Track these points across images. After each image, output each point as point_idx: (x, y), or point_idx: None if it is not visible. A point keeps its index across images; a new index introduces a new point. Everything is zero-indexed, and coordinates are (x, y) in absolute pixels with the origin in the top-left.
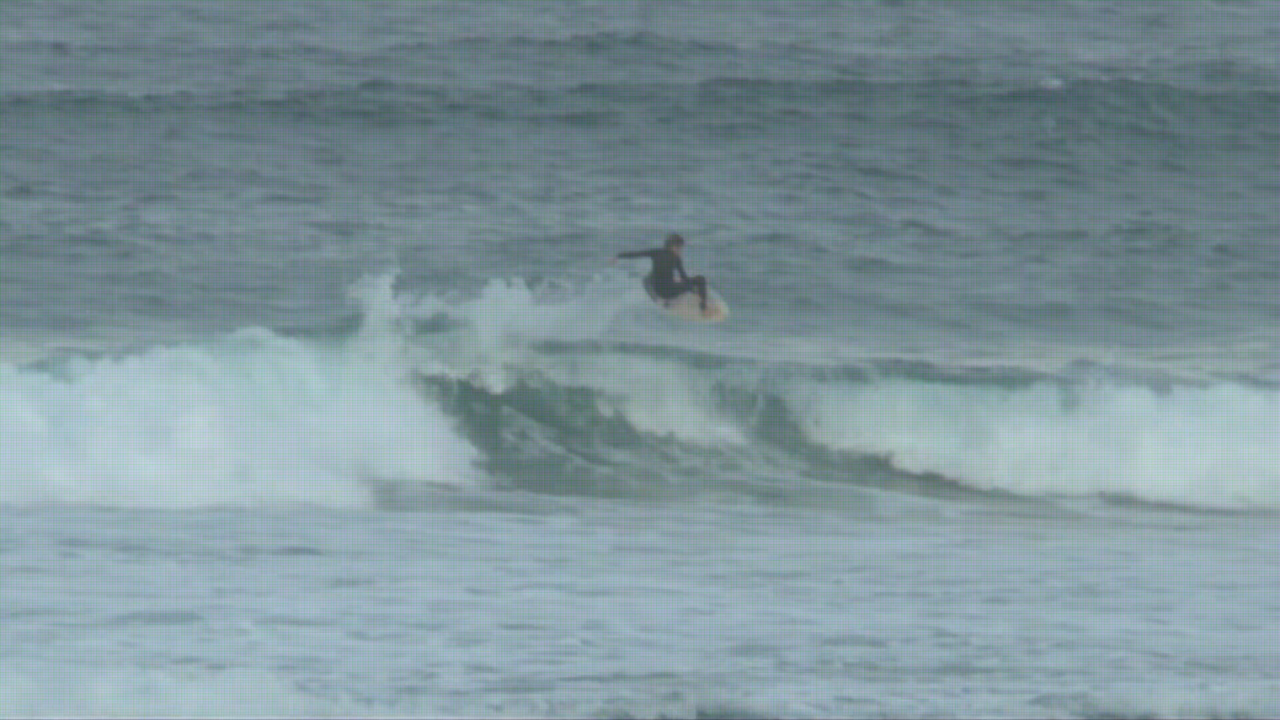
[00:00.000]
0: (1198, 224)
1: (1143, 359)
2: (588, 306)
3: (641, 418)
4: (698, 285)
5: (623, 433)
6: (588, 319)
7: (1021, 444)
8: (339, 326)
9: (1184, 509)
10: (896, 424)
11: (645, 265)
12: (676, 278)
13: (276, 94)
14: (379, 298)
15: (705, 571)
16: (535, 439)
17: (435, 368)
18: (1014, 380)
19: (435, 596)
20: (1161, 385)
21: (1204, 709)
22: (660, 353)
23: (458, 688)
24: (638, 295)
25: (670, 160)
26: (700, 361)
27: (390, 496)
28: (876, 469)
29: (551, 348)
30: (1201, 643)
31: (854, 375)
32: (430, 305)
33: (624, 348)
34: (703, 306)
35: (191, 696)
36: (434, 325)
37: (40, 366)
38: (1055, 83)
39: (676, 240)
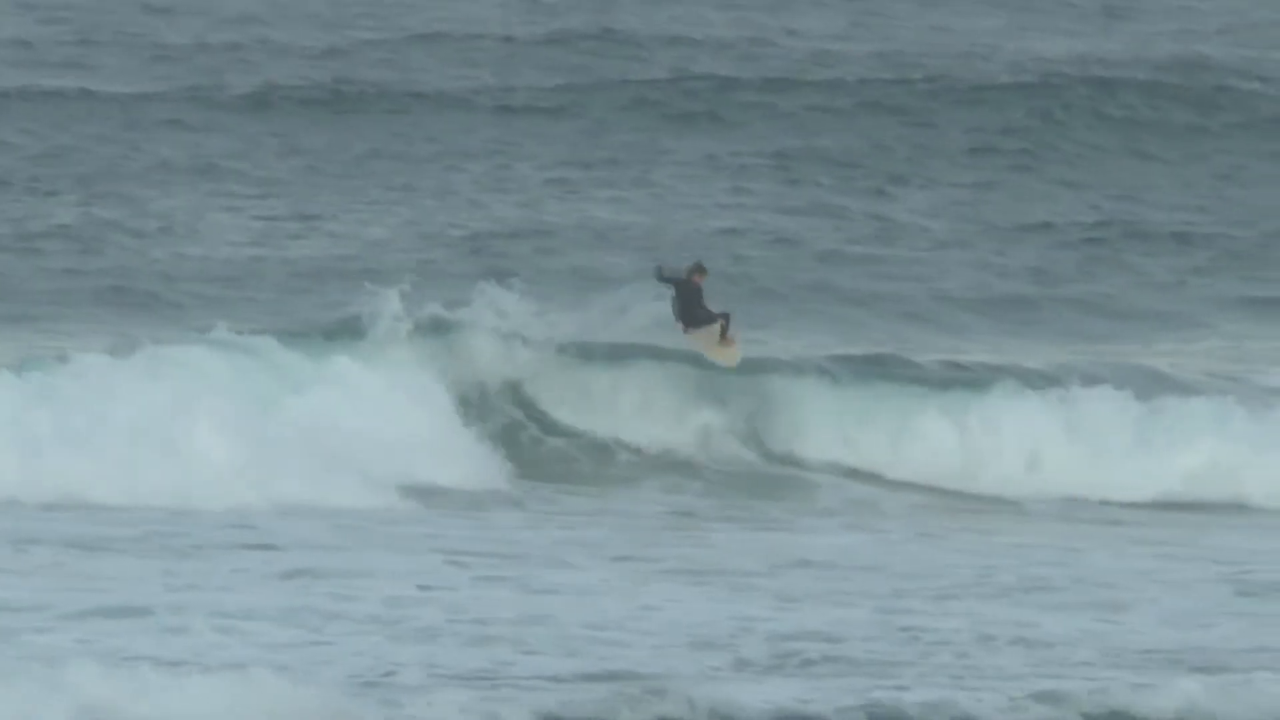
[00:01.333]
0: (1160, 216)
1: (1100, 355)
2: (594, 320)
3: (590, 413)
4: (722, 320)
5: (571, 428)
6: (592, 331)
7: (969, 440)
8: (316, 327)
9: (1130, 506)
10: (844, 419)
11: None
12: (701, 309)
13: (238, 88)
14: (386, 305)
15: (657, 568)
16: (489, 436)
17: (411, 372)
18: (962, 376)
19: (388, 593)
20: (1113, 382)
21: (1170, 706)
22: (613, 349)
23: (413, 684)
24: (642, 316)
25: (630, 153)
26: (655, 356)
27: (344, 493)
28: (825, 465)
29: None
30: (1155, 639)
31: (806, 370)
32: (430, 310)
33: (578, 345)
34: (720, 339)
35: (152, 693)
36: (433, 329)
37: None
38: (1016, 76)
39: (699, 270)
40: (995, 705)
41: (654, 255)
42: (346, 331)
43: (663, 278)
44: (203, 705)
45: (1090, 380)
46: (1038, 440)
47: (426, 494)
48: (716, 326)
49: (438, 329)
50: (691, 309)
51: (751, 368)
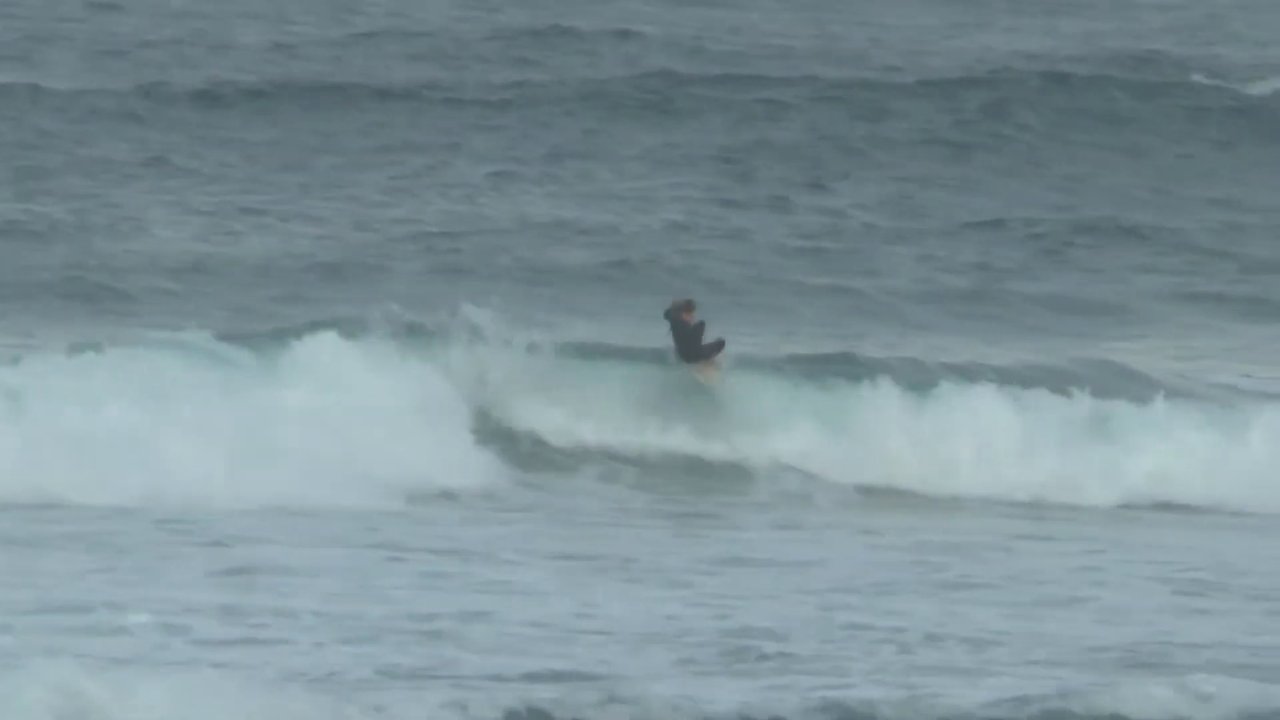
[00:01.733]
0: (1109, 210)
1: (1048, 351)
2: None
3: (533, 410)
4: (717, 348)
5: (504, 424)
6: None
7: (911, 436)
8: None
9: (1071, 505)
10: (787, 414)
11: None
12: (695, 344)
13: (184, 84)
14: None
15: (598, 564)
16: (434, 433)
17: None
18: (906, 371)
19: (330, 590)
20: (1059, 379)
21: (1136, 706)
22: (562, 347)
23: (357, 683)
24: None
25: (576, 148)
26: (591, 353)
27: (284, 489)
28: (767, 461)
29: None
30: (1101, 637)
31: (751, 365)
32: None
33: (526, 341)
34: (710, 362)
35: (97, 692)
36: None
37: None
38: (967, 71)
39: (687, 308)
40: (957, 704)
41: (603, 249)
42: (289, 333)
43: (666, 317)
44: (158, 704)
45: (1036, 377)
46: (980, 437)
47: (369, 491)
48: (714, 360)
49: (401, 331)
50: (686, 345)
51: (676, 360)
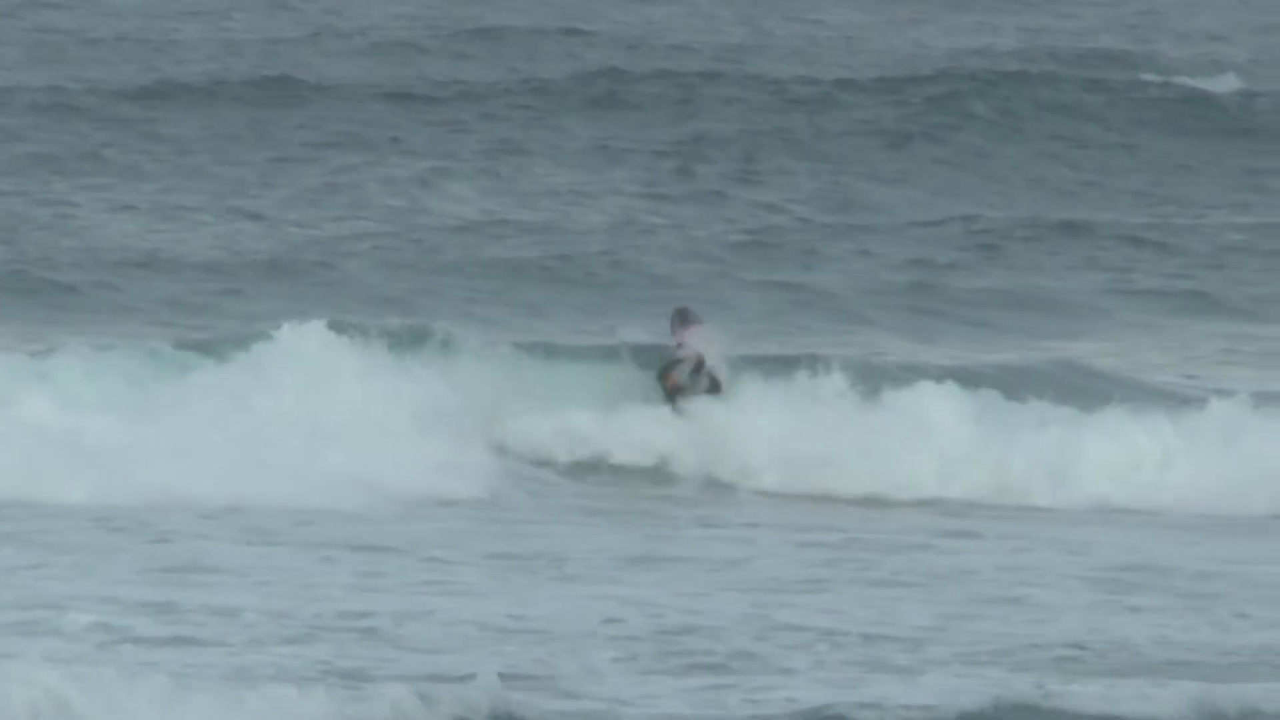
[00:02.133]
0: (1058, 208)
1: (990, 350)
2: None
3: (463, 407)
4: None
5: (439, 423)
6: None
7: (831, 435)
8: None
9: (986, 505)
10: (711, 410)
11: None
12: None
13: (124, 81)
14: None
15: (528, 564)
16: (363, 430)
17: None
18: (820, 367)
19: (267, 588)
20: (995, 377)
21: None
22: (488, 343)
23: (293, 682)
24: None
25: (515, 145)
26: (532, 350)
27: (212, 487)
28: (686, 458)
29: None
30: (1038, 634)
31: (648, 359)
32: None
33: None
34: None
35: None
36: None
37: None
38: (909, 69)
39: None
40: (899, 703)
41: (541, 245)
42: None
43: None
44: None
45: (974, 374)
46: (915, 435)
47: (296, 490)
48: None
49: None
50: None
51: (593, 356)
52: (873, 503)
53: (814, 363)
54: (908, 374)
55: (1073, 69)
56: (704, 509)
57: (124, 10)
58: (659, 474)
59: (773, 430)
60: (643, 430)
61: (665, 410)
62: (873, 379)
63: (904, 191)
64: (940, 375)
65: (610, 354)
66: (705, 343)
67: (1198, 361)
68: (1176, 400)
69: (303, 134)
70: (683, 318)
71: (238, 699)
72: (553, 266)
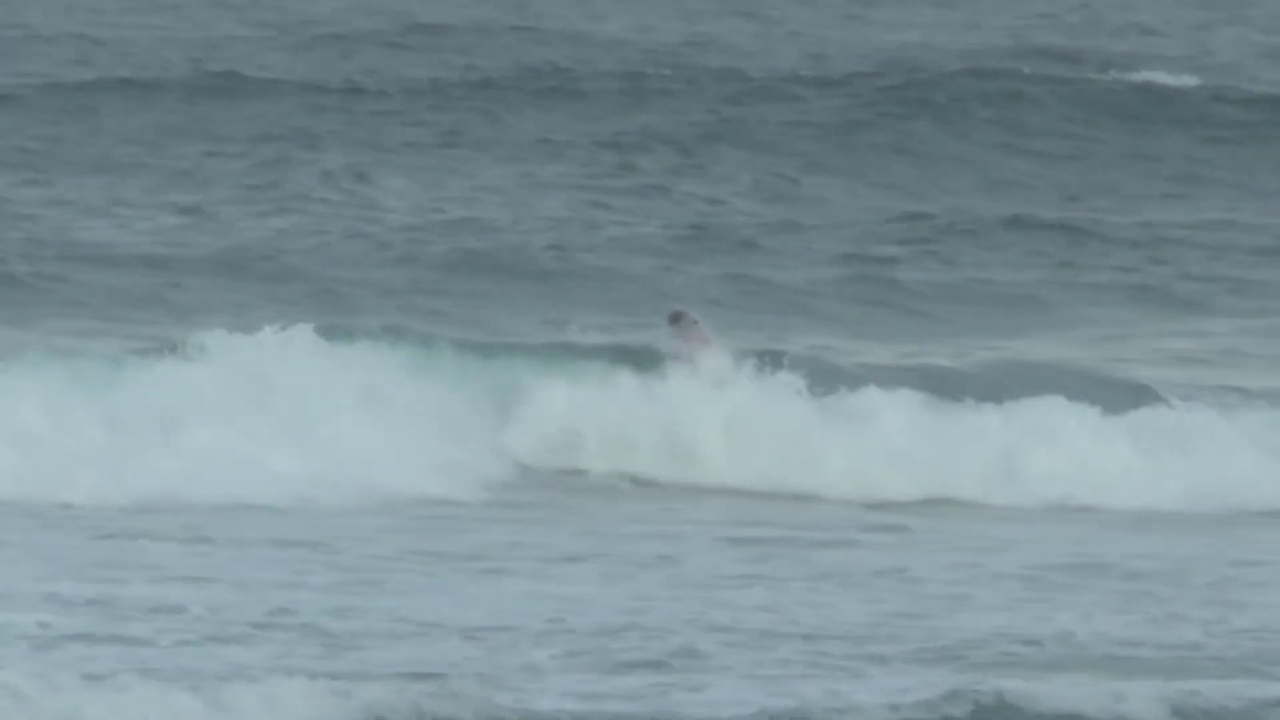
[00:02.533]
0: (997, 205)
1: (916, 346)
2: None
3: (393, 403)
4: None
5: (375, 419)
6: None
7: (771, 432)
8: None
9: (924, 503)
10: (611, 405)
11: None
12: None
13: (63, 76)
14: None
15: (462, 562)
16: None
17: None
18: (760, 363)
19: (202, 586)
20: (915, 375)
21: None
22: (423, 337)
23: (233, 680)
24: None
25: (457, 139)
26: (461, 347)
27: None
28: (621, 453)
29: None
30: (964, 631)
31: (573, 354)
32: None
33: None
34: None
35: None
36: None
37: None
38: (861, 64)
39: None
40: (847, 702)
41: (481, 239)
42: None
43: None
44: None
45: (919, 371)
46: (855, 432)
47: (234, 489)
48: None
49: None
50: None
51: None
52: (808, 499)
53: (754, 357)
54: (848, 369)
55: (1016, 63)
56: (636, 504)
57: (69, 5)
58: (594, 471)
59: (709, 425)
60: (578, 426)
61: (599, 406)
62: (814, 375)
63: (848, 185)
64: (881, 370)
65: (562, 351)
66: (701, 342)
67: (1143, 356)
68: (1123, 395)
69: (244, 128)
70: (675, 320)
71: (220, 695)
72: (497, 260)
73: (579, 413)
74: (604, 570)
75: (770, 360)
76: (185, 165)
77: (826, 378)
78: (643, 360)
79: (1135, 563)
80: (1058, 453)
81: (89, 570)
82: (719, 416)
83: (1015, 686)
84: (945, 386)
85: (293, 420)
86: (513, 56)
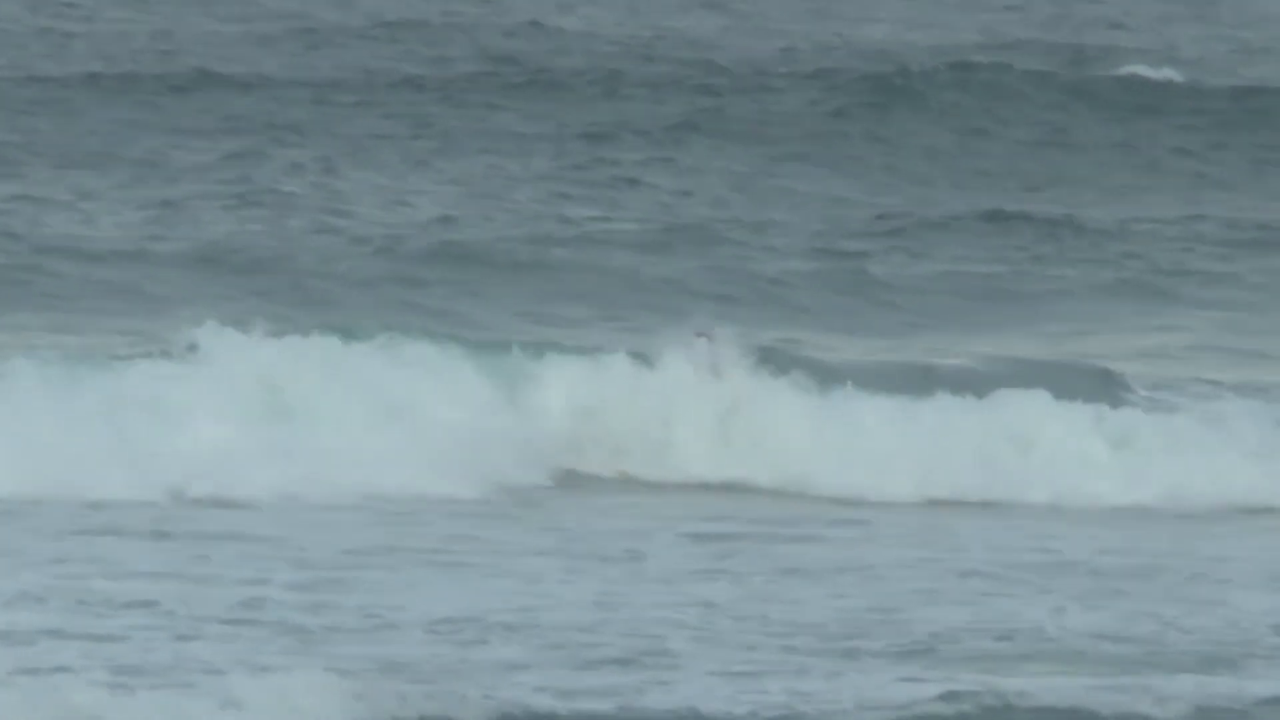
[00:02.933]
0: (960, 201)
1: (857, 340)
2: None
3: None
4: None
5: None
6: None
7: (715, 428)
8: None
9: (848, 500)
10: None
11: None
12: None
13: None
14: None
15: (424, 558)
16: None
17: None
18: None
19: (154, 581)
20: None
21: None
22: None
23: (184, 675)
24: None
25: (420, 136)
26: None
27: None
28: (581, 448)
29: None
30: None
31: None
32: None
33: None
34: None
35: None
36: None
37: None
38: (836, 59)
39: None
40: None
41: (448, 235)
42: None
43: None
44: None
45: (857, 366)
46: (782, 426)
47: (179, 487)
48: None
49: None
50: None
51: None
52: (773, 494)
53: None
54: (818, 362)
55: (990, 56)
56: (602, 499)
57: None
58: (556, 462)
59: (683, 421)
60: (532, 424)
61: (574, 403)
62: (781, 368)
63: (822, 178)
64: (852, 365)
65: (525, 349)
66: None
67: (1115, 349)
68: (1093, 389)
69: (214, 123)
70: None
71: (237, 691)
72: (470, 253)
73: (556, 410)
74: (570, 565)
75: (742, 355)
76: (155, 159)
77: (794, 371)
78: (609, 357)
79: (1103, 559)
80: (1026, 448)
81: (52, 567)
82: (690, 413)
83: (1015, 685)
84: (915, 381)
85: (268, 416)
86: (482, 50)
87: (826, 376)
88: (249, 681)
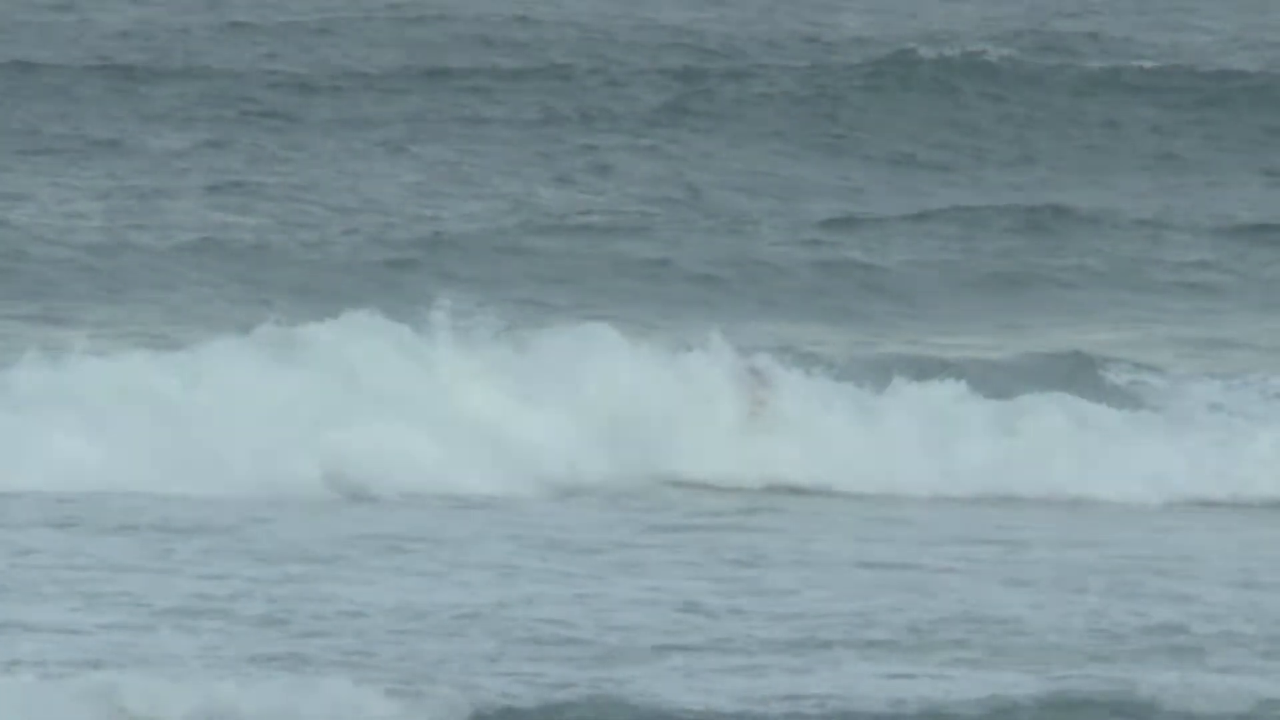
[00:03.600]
0: (938, 194)
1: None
2: None
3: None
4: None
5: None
6: None
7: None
8: None
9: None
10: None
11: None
12: None
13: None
14: None
15: (394, 555)
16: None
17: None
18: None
19: (118, 575)
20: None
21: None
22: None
23: (153, 668)
24: None
25: (387, 131)
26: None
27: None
28: (547, 444)
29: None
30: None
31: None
32: None
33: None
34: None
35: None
36: None
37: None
38: (816, 52)
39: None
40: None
41: (411, 232)
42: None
43: None
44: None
45: (814, 358)
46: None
47: (145, 478)
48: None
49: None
50: None
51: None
52: (718, 486)
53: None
54: (786, 354)
55: (976, 45)
56: (557, 494)
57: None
58: (521, 458)
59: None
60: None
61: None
62: (736, 358)
63: (807, 165)
64: (819, 358)
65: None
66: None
67: (1095, 339)
68: (1063, 378)
69: (180, 112)
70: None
71: (294, 693)
72: (453, 240)
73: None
74: (530, 560)
75: (690, 346)
76: (141, 154)
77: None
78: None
79: (1067, 552)
80: (986, 439)
81: (5, 559)
82: (652, 407)
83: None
84: (877, 371)
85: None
86: (462, 38)
87: (787, 366)
88: (303, 683)
